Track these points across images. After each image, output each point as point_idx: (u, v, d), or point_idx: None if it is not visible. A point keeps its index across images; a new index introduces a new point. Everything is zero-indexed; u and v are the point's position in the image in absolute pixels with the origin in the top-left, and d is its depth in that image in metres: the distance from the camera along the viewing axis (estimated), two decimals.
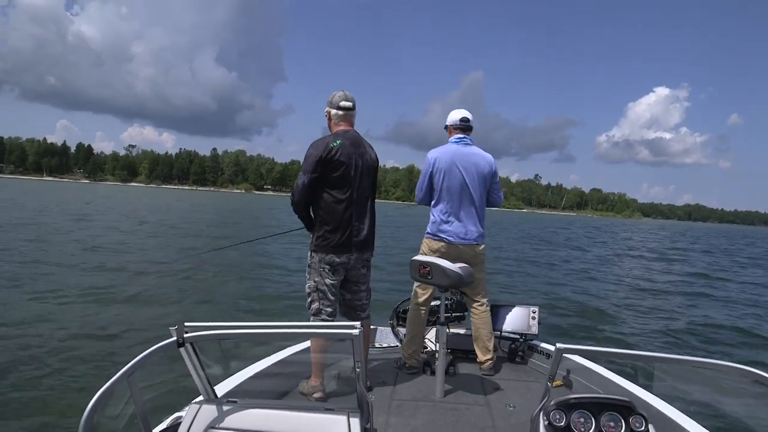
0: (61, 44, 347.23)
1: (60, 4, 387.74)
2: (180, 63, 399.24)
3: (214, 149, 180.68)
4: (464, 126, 3.44)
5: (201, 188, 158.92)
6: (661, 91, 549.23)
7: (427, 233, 3.43)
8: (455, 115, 3.45)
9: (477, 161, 3.36)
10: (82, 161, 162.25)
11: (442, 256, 3.22)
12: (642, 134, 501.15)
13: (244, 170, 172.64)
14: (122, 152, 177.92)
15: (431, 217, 3.42)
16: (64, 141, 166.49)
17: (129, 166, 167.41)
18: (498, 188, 3.51)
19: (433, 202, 3.43)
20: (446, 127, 3.54)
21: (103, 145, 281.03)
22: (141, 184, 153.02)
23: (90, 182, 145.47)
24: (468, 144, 3.43)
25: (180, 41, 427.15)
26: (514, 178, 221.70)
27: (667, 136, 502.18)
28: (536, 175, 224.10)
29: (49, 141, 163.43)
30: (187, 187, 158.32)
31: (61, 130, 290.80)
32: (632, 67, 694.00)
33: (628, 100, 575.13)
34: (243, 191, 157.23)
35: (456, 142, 3.42)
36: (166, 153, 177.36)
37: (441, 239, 3.35)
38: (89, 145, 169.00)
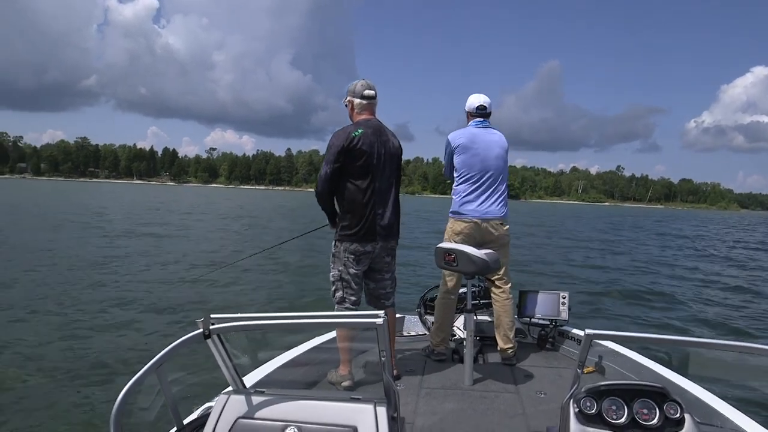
0: (150, 56, 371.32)
1: (148, 19, 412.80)
2: (258, 68, 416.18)
3: (288, 149, 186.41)
4: (481, 113, 3.48)
5: (276, 188, 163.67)
6: (760, 71, 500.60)
7: (451, 213, 3.45)
8: (473, 102, 3.49)
9: (495, 139, 3.44)
10: (167, 164, 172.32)
11: (466, 238, 3.30)
12: (736, 119, 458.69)
13: (317, 169, 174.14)
14: (204, 155, 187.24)
15: (454, 197, 3.45)
16: (152, 146, 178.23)
17: (210, 168, 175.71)
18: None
19: (455, 183, 3.46)
20: (467, 113, 3.57)
21: (189, 149, 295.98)
22: (221, 185, 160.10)
23: (175, 184, 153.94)
24: (487, 126, 3.49)
25: (257, 47, 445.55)
26: (594, 170, 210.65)
27: (766, 119, 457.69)
28: (618, 167, 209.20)
29: (138, 147, 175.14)
30: (262, 187, 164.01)
31: (151, 136, 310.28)
32: (725, 46, 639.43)
33: (721, 82, 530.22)
34: None
35: (475, 125, 3.48)
36: (244, 155, 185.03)
37: (464, 217, 3.36)
38: (174, 149, 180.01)
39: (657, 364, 2.88)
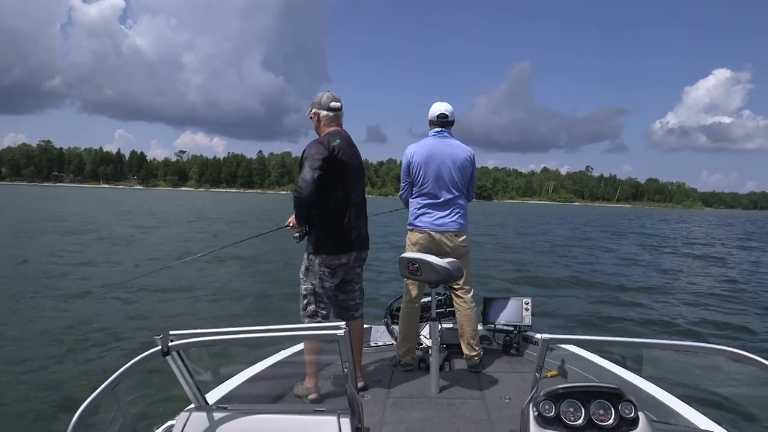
0: (117, 57, 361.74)
1: (114, 19, 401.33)
2: (228, 70, 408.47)
3: (260, 152, 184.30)
4: (442, 122, 3.44)
5: (248, 191, 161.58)
6: (721, 74, 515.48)
7: (408, 225, 3.48)
8: (435, 111, 3.45)
9: (454, 152, 3.39)
10: (135, 168, 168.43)
11: (422, 248, 3.32)
12: (699, 120, 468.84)
13: (290, 172, 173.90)
14: (174, 158, 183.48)
15: (410, 209, 3.48)
16: (119, 149, 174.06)
17: (180, 171, 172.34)
18: (473, 184, 3.53)
19: (412, 195, 3.47)
20: (429, 121, 3.52)
21: (158, 153, 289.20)
22: (191, 189, 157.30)
23: (143, 188, 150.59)
24: (446, 137, 3.44)
25: (228, 48, 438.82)
26: (564, 171, 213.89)
27: (727, 120, 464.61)
28: (587, 167, 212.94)
29: (105, 150, 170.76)
30: (234, 190, 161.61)
31: (119, 139, 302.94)
32: (689, 49, 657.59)
33: (684, 84, 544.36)
34: (289, 192, 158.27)
35: (434, 135, 3.45)
36: (215, 157, 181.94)
37: (420, 229, 3.38)
38: (142, 152, 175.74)
39: (617, 365, 2.95)
